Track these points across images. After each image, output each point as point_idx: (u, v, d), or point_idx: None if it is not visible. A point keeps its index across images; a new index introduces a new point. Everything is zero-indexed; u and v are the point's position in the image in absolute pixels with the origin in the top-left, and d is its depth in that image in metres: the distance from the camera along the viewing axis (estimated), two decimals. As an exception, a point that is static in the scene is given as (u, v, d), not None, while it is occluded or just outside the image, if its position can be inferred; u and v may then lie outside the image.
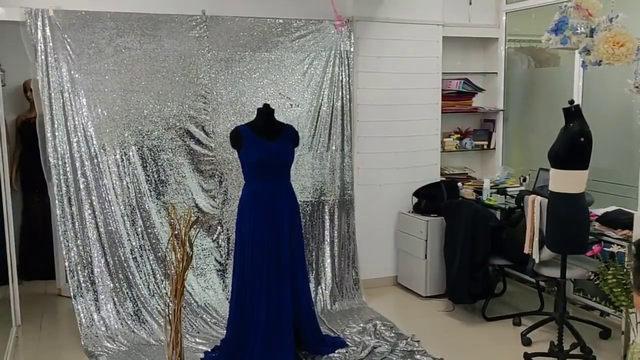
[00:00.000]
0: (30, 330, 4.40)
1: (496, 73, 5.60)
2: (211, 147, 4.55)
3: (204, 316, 4.40)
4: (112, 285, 4.27)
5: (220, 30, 4.51)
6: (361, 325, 4.38)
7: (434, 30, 5.24)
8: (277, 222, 3.73)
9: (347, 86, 4.92)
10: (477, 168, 5.76)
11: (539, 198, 4.00)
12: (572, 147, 3.51)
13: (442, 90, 5.35)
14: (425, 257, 4.95)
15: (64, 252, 4.19)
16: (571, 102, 3.65)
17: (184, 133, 4.47)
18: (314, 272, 4.81)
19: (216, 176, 4.58)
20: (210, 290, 4.54)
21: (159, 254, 4.39)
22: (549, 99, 5.19)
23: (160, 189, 4.43)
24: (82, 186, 4.21)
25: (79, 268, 4.21)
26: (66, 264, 4.20)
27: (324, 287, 4.83)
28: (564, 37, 3.58)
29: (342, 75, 4.90)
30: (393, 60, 5.10)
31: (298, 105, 4.80)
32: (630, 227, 3.73)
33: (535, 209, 3.99)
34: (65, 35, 4.12)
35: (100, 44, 4.21)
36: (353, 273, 4.99)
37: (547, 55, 5.32)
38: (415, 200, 5.16)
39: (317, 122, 4.86)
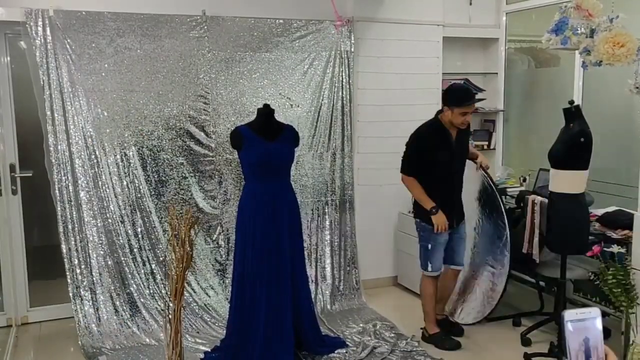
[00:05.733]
0: (30, 330, 4.41)
1: (496, 73, 5.60)
2: (211, 147, 4.55)
3: (204, 316, 4.41)
4: (111, 285, 4.27)
5: (221, 30, 4.52)
6: (361, 325, 4.38)
7: (434, 31, 5.24)
8: (277, 222, 3.73)
9: (348, 86, 4.92)
10: (477, 168, 5.75)
11: (539, 198, 4.00)
12: (572, 148, 3.51)
13: (443, 90, 5.34)
14: (426, 258, 4.94)
15: (64, 252, 4.19)
16: (571, 102, 3.65)
17: (184, 133, 4.47)
18: (314, 272, 4.81)
19: (216, 176, 4.58)
20: (210, 290, 4.54)
21: (159, 254, 4.39)
22: (549, 100, 5.19)
23: (160, 189, 4.43)
24: (82, 186, 4.21)
25: (78, 268, 4.21)
26: (66, 264, 4.19)
27: (324, 287, 4.84)
28: (564, 37, 3.58)
29: (342, 75, 4.91)
30: (393, 61, 5.11)
31: (298, 106, 4.80)
32: (630, 228, 3.72)
33: (535, 209, 3.99)
34: (66, 36, 4.12)
35: (100, 44, 4.21)
36: (353, 273, 4.99)
37: (547, 55, 5.32)
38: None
39: (317, 123, 4.86)
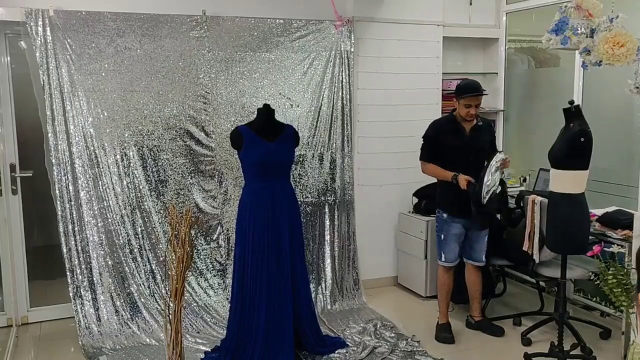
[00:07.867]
0: (30, 330, 4.41)
1: (496, 73, 5.60)
2: (211, 147, 4.55)
3: (204, 316, 4.41)
4: (111, 285, 4.27)
5: (221, 30, 4.52)
6: (361, 325, 4.38)
7: (434, 31, 5.25)
8: (277, 222, 3.73)
9: (348, 86, 4.92)
10: (477, 168, 5.75)
11: (539, 198, 4.00)
12: (572, 148, 3.51)
13: (443, 90, 5.35)
14: (425, 257, 4.95)
15: (64, 252, 4.19)
16: (571, 102, 3.65)
17: (184, 133, 4.47)
18: (314, 272, 4.81)
19: (216, 176, 4.58)
20: (210, 290, 4.54)
21: (159, 254, 4.39)
22: (549, 99, 5.20)
23: (160, 189, 4.43)
24: (82, 186, 4.21)
25: (78, 268, 4.21)
26: (66, 264, 4.20)
27: (324, 287, 4.84)
28: (564, 37, 3.58)
29: (342, 75, 4.90)
30: (393, 61, 5.11)
31: (298, 106, 4.80)
32: (631, 228, 3.73)
33: (535, 209, 3.99)
34: (66, 36, 4.12)
35: (100, 44, 4.21)
36: (353, 273, 4.99)
37: (547, 55, 5.32)
38: (415, 200, 5.16)
39: (317, 122, 4.86)
